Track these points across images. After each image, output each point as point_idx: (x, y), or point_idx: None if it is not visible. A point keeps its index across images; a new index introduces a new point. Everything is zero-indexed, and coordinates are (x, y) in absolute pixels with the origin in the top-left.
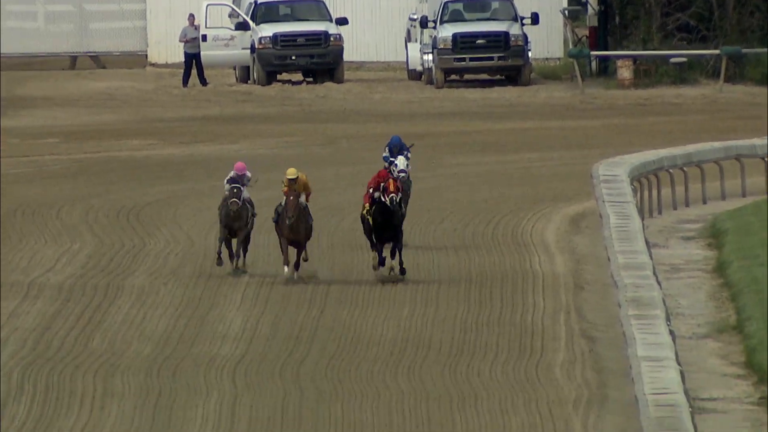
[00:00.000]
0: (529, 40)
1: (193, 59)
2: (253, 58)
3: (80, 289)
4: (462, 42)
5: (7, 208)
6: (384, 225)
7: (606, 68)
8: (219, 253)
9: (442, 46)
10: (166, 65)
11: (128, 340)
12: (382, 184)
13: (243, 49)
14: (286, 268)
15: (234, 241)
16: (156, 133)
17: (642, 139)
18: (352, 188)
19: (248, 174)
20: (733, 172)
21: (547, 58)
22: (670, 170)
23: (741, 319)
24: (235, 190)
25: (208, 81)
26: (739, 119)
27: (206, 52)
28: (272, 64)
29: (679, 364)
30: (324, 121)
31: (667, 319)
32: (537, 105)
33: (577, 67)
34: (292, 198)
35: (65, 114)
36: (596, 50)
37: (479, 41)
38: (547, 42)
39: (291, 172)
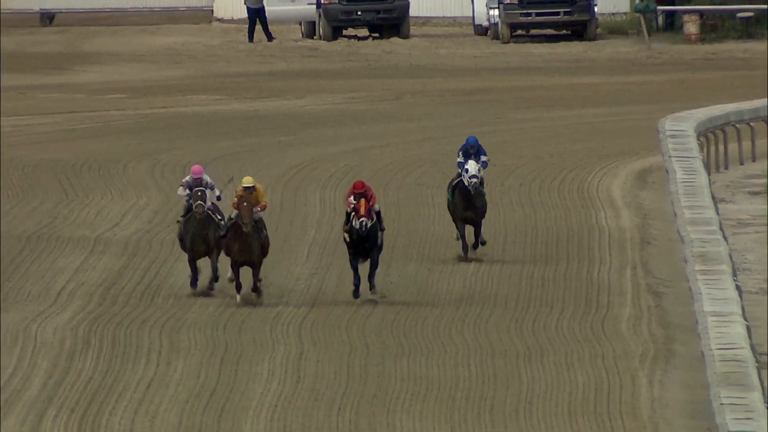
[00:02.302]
0: None
1: (256, 14)
2: (319, 14)
3: (146, 245)
4: None
5: (73, 162)
6: (359, 244)
7: (672, 23)
8: (194, 277)
9: (508, 1)
10: (232, 20)
11: (194, 295)
12: (353, 205)
13: (309, 4)
14: (239, 296)
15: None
16: (222, 88)
17: (708, 94)
18: (418, 144)
19: (206, 178)
20: None
21: (613, 13)
22: (737, 125)
23: None
24: (199, 193)
25: (274, 36)
26: None
27: (272, 8)
28: (338, 19)
29: (745, 319)
30: (390, 77)
31: (734, 274)
32: (603, 60)
33: (643, 22)
34: (246, 204)
35: (131, 69)
36: (663, 5)
37: None
38: None
39: (247, 180)
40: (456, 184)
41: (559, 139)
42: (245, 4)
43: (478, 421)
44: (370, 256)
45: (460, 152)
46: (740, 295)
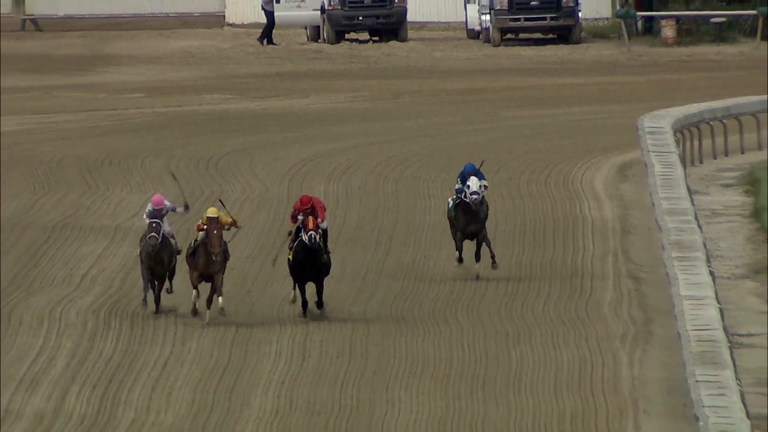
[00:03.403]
0: (579, 1)
1: (272, 16)
2: (323, 19)
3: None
4: (517, 3)
5: (95, 157)
6: (305, 263)
7: (651, 28)
8: (145, 299)
9: (498, 7)
10: (242, 25)
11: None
12: (301, 218)
13: (314, 10)
14: (194, 307)
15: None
16: (233, 88)
17: (684, 94)
18: (415, 140)
19: (167, 205)
20: None
21: (596, 18)
22: (711, 122)
23: None
24: (154, 225)
25: (275, 41)
26: None
27: (280, 13)
28: (341, 24)
29: (718, 302)
30: (389, 77)
31: (708, 260)
32: (586, 62)
33: (624, 27)
34: (216, 232)
35: (149, 71)
36: (642, 11)
37: (533, 2)
38: (596, 3)
39: (212, 211)
40: (458, 203)
41: (546, 136)
42: (263, 7)
43: (471, 398)
44: (316, 279)
45: (459, 179)
46: (714, 280)
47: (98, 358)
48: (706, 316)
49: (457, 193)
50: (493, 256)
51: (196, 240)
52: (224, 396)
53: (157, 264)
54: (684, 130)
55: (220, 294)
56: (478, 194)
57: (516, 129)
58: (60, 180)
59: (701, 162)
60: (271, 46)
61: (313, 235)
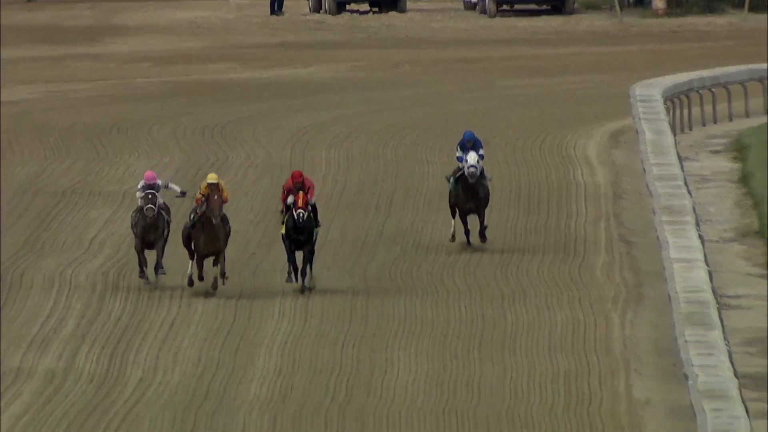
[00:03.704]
0: None
1: None
2: None
3: (170, 199)
4: None
5: (103, 125)
6: (296, 235)
7: None
8: (143, 273)
9: None
10: None
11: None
12: (291, 196)
13: None
14: (191, 276)
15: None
16: (237, 58)
17: (674, 63)
18: (414, 108)
19: (159, 182)
20: (756, 92)
21: None
22: (700, 91)
23: (763, 225)
24: (150, 195)
25: (283, 11)
26: (762, 45)
27: None
28: None
29: (707, 265)
30: (388, 48)
31: (697, 224)
32: (580, 32)
33: None
34: (216, 197)
35: (156, 41)
36: None
37: None
38: None
39: (212, 177)
40: (459, 176)
41: (540, 104)
42: None
43: (468, 357)
44: (304, 249)
45: (458, 146)
46: (703, 244)
47: (107, 319)
48: (696, 279)
49: (458, 161)
50: (483, 233)
51: (195, 212)
52: (229, 355)
53: (152, 232)
54: (674, 99)
55: (222, 274)
56: (476, 167)
57: (511, 98)
58: (69, 147)
59: (691, 129)
60: (276, 16)
61: (302, 213)
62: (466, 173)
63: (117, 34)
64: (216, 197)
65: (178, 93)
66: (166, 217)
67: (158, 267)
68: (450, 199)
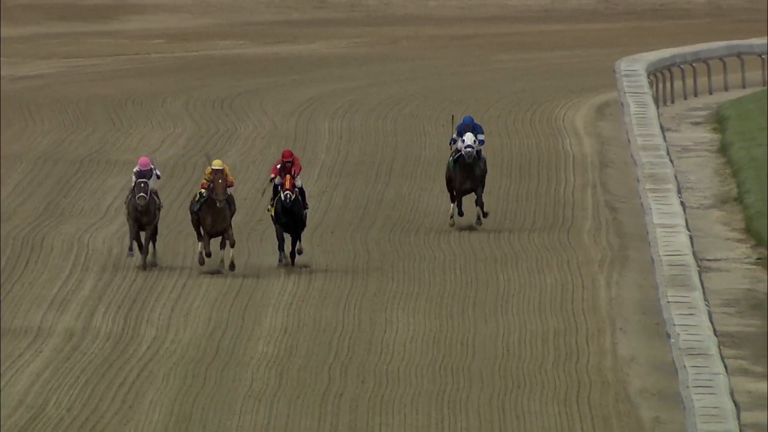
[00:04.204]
0: None
1: None
2: None
3: (181, 167)
4: None
5: (119, 98)
6: (284, 218)
7: None
8: (131, 248)
9: None
10: None
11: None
12: (278, 180)
13: None
14: (202, 254)
15: (143, 235)
16: (245, 35)
17: (657, 40)
18: (411, 81)
19: (153, 168)
20: (734, 67)
21: None
22: (681, 66)
23: (741, 192)
24: (142, 185)
25: None
26: (740, 22)
27: None
28: None
29: (688, 230)
30: (387, 25)
31: (679, 192)
32: (567, 10)
33: None
34: (221, 181)
35: (169, 18)
36: None
37: None
38: None
39: (217, 163)
40: (457, 157)
41: (531, 78)
42: None
43: (462, 317)
44: (294, 231)
45: (457, 130)
46: (684, 210)
47: (122, 281)
48: (677, 243)
49: (450, 143)
50: (480, 215)
51: (200, 194)
52: (238, 315)
53: (144, 215)
54: (657, 73)
55: (232, 245)
56: (472, 148)
57: (503, 71)
58: (87, 118)
59: (673, 102)
60: None
61: (289, 195)
62: (463, 153)
63: (132, 12)
64: (220, 181)
65: (189, 68)
66: (157, 201)
67: (145, 248)
68: (447, 181)
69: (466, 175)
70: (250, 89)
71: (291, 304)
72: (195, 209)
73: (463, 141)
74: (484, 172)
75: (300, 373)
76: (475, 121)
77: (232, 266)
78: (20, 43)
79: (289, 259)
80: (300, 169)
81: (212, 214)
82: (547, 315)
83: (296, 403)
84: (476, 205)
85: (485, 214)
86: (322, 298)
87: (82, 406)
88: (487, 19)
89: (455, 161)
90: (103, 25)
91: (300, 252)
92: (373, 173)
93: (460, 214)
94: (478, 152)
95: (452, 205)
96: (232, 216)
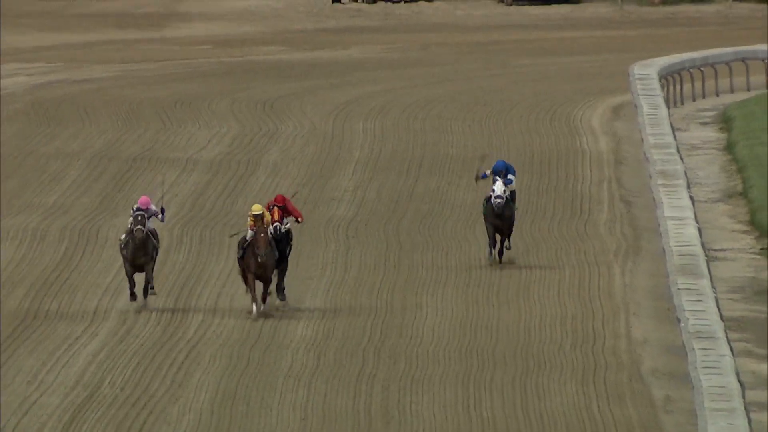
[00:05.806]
0: None
1: None
2: None
3: (227, 164)
4: None
5: (169, 99)
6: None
7: None
8: (131, 290)
9: None
10: None
11: (264, 203)
12: (272, 206)
13: None
14: (254, 307)
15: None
16: (286, 41)
17: (669, 46)
18: (440, 84)
19: (153, 208)
20: (739, 71)
21: None
22: (691, 70)
23: (746, 187)
24: (139, 217)
25: None
26: (745, 30)
27: None
28: None
29: (697, 222)
30: (418, 32)
31: (688, 187)
32: (585, 19)
33: None
34: (263, 235)
35: (216, 26)
36: None
37: None
38: None
39: (256, 209)
40: (488, 200)
41: (551, 81)
42: None
43: (487, 303)
44: (279, 263)
45: (492, 171)
46: (693, 204)
47: (172, 269)
48: (687, 234)
49: (481, 177)
50: (502, 250)
51: (244, 239)
52: (279, 300)
53: (141, 253)
54: (668, 77)
55: (269, 293)
56: (502, 198)
57: (525, 75)
58: (140, 119)
59: (683, 103)
60: (340, 3)
61: (278, 226)
62: (492, 203)
63: (181, 21)
64: (262, 235)
65: (234, 72)
66: (154, 242)
67: (148, 288)
68: (483, 217)
69: (496, 217)
70: (290, 92)
71: (328, 290)
72: (239, 255)
73: (494, 191)
74: (513, 215)
75: (336, 355)
76: (505, 160)
77: (280, 295)
78: (78, 49)
79: (279, 296)
80: (296, 211)
81: (255, 263)
82: (566, 301)
83: (332, 383)
84: (502, 243)
85: (509, 247)
86: (357, 285)
87: (134, 386)
88: (510, 27)
89: (487, 201)
90: (155, 32)
91: (281, 298)
92: (404, 169)
93: (492, 244)
94: (508, 198)
95: (489, 241)
96: (273, 265)
